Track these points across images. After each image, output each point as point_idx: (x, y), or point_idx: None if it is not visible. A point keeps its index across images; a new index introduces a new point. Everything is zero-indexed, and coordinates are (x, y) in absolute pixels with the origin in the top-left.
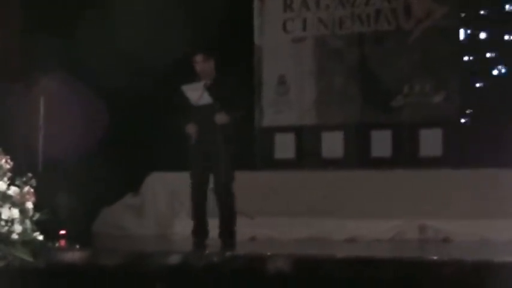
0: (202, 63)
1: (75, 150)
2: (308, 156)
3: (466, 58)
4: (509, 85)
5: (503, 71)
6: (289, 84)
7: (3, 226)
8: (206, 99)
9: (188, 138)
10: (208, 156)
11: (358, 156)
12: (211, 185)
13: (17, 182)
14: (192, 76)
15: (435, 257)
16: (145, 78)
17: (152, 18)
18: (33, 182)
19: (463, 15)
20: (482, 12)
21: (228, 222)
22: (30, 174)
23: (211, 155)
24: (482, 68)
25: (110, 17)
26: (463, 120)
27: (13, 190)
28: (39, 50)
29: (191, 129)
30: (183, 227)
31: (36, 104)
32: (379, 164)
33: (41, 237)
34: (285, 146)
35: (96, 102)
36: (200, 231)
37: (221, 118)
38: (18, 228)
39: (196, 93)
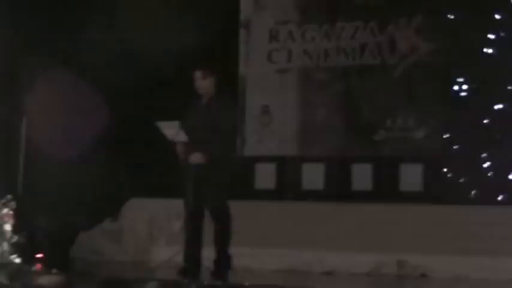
0: (201, 80)
1: (55, 173)
2: (288, 187)
3: (449, 95)
4: (492, 121)
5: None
6: (272, 114)
7: None
8: (182, 137)
9: (178, 159)
10: (204, 183)
11: (338, 188)
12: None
13: None
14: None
15: None
16: (129, 100)
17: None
18: (13, 204)
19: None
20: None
21: (225, 250)
22: (9, 196)
23: (204, 183)
24: (465, 104)
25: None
26: (443, 156)
27: None
28: (25, 68)
29: (180, 147)
30: (161, 253)
31: (18, 126)
32: (359, 197)
33: (18, 260)
34: (265, 176)
35: (79, 125)
36: (192, 259)
37: (196, 158)
38: None
39: (171, 131)
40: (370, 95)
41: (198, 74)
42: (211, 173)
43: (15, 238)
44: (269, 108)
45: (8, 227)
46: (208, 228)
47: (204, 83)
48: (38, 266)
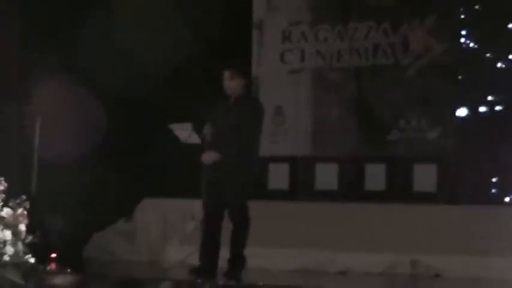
0: (229, 80)
1: (69, 173)
2: (302, 187)
3: (463, 96)
4: (505, 122)
5: (499, 108)
6: (285, 114)
7: None
8: (194, 139)
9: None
10: (222, 184)
11: (351, 189)
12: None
13: (10, 204)
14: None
15: None
16: (143, 100)
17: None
18: (27, 204)
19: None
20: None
21: (240, 250)
22: (24, 196)
23: (224, 182)
24: (479, 105)
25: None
26: (457, 157)
27: (6, 211)
28: (37, 65)
29: (207, 157)
30: (174, 253)
31: (32, 124)
32: (373, 197)
33: (32, 260)
34: (278, 177)
35: (92, 125)
36: (208, 260)
37: (207, 157)
38: (10, 250)
39: (184, 133)
40: (383, 96)
41: (226, 74)
42: (230, 173)
43: (29, 238)
44: (282, 108)
45: (22, 227)
46: (225, 228)
47: (231, 84)
48: (52, 266)
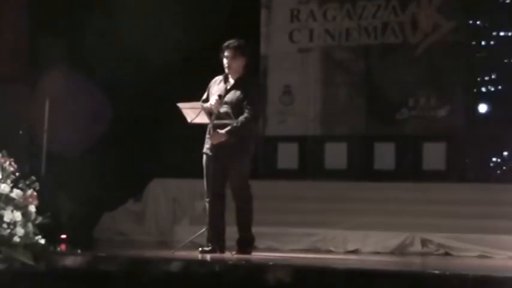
0: (230, 59)
1: (78, 155)
2: (311, 166)
3: (472, 73)
4: None
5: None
6: (294, 94)
7: (5, 229)
8: (202, 118)
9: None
10: (225, 164)
11: (361, 168)
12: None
13: (20, 185)
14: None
15: (437, 271)
16: (152, 80)
17: (157, 24)
18: (37, 185)
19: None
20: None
21: (247, 229)
22: (33, 177)
23: (227, 162)
24: (488, 83)
25: (117, 16)
26: (466, 134)
27: (16, 193)
28: (46, 50)
29: (216, 138)
30: (184, 233)
31: (41, 106)
32: (382, 176)
33: (42, 241)
34: (288, 156)
35: (101, 106)
36: (215, 240)
37: (216, 138)
38: (20, 231)
39: (192, 112)
40: (392, 74)
41: (227, 53)
42: (233, 153)
43: (39, 219)
44: (291, 88)
45: (32, 208)
46: (232, 208)
47: (232, 63)
48: (62, 247)
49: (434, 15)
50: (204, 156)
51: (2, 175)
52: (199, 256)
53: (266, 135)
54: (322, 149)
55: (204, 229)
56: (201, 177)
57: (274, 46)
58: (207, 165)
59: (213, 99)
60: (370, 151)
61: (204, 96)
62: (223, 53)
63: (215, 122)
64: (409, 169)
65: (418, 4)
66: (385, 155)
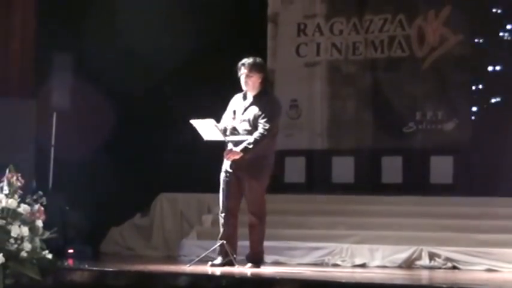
0: (246, 77)
1: (86, 169)
2: (318, 180)
3: (479, 87)
4: None
5: None
6: (301, 108)
7: (12, 244)
8: (217, 135)
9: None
10: (242, 180)
11: (368, 181)
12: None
13: (27, 200)
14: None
15: (444, 285)
16: (160, 94)
17: (166, 37)
18: (44, 200)
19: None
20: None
21: (259, 244)
22: (40, 193)
23: (244, 179)
24: (495, 96)
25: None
26: (474, 148)
27: (23, 208)
28: (53, 63)
29: (231, 155)
30: (191, 248)
31: (48, 121)
32: (390, 190)
33: (49, 256)
34: (295, 170)
35: (108, 120)
36: (227, 254)
37: (231, 155)
38: (27, 246)
39: (206, 129)
40: (399, 88)
41: (243, 70)
42: (249, 169)
43: (46, 234)
44: (298, 101)
45: (39, 223)
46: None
47: (248, 80)
48: (69, 262)
49: (441, 29)
50: (222, 174)
51: (10, 190)
52: (209, 270)
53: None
54: (329, 163)
55: (218, 244)
56: (208, 191)
57: (281, 60)
58: (224, 181)
59: (230, 117)
60: (377, 165)
61: (225, 114)
62: (240, 70)
63: (230, 138)
64: (416, 183)
65: (425, 18)
66: (392, 169)
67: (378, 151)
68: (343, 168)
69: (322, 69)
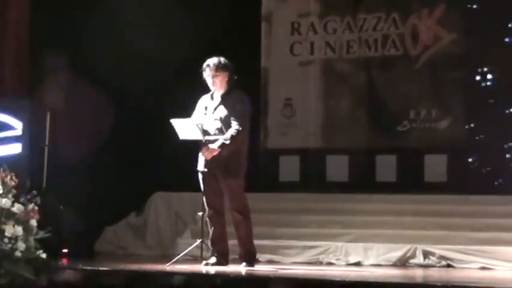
0: (212, 77)
1: (80, 168)
2: (312, 179)
3: (472, 85)
4: None
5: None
6: (295, 107)
7: (6, 243)
8: (195, 134)
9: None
10: (220, 178)
11: (362, 180)
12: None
13: (21, 199)
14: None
15: (439, 284)
16: (155, 91)
17: (160, 36)
18: (38, 199)
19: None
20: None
21: (248, 242)
22: (34, 192)
23: (222, 176)
24: (489, 94)
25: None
26: (467, 146)
27: (17, 207)
28: (47, 62)
29: (209, 153)
30: (186, 247)
31: (42, 120)
32: (384, 188)
33: (44, 256)
34: (289, 169)
35: (102, 119)
36: (218, 254)
37: (208, 153)
38: (21, 245)
39: (184, 128)
40: (393, 86)
41: (208, 71)
42: (226, 166)
43: (40, 233)
44: (292, 100)
45: (33, 223)
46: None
47: (215, 80)
48: (63, 261)
49: (434, 27)
50: (200, 174)
51: (3, 190)
52: (204, 269)
53: (267, 148)
54: (323, 162)
55: (198, 242)
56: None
57: (275, 59)
58: (203, 181)
59: (201, 117)
60: (371, 163)
61: (193, 115)
62: (205, 71)
63: (206, 137)
64: (410, 181)
65: (419, 16)
66: (386, 167)
67: (372, 150)
68: (337, 167)
69: (316, 68)
